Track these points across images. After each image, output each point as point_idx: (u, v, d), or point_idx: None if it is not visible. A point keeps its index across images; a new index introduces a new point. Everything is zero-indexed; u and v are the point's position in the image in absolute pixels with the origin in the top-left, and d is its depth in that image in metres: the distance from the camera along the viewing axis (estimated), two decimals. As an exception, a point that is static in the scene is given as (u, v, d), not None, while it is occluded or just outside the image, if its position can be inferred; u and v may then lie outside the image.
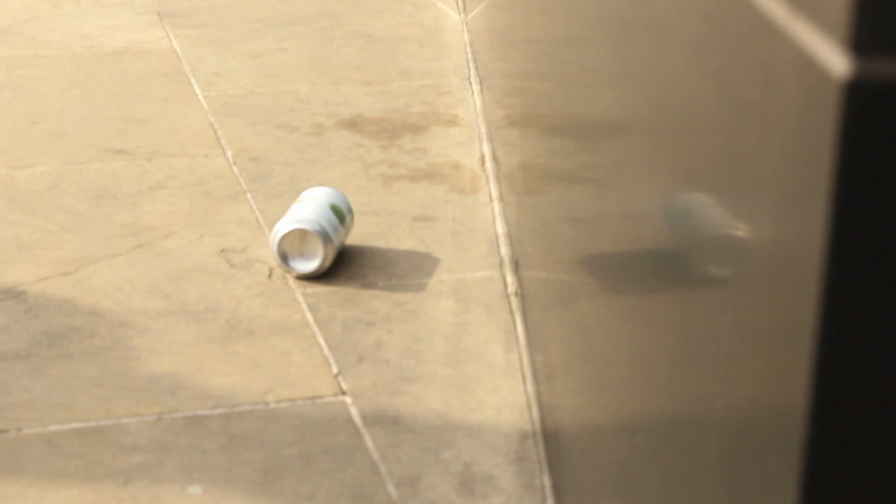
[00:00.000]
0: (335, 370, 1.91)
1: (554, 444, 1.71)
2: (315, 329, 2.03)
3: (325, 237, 2.16)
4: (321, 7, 3.77)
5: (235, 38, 3.46)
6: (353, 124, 2.86)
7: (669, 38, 1.12)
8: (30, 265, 2.22)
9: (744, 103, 0.89)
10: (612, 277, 1.39)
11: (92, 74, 3.16)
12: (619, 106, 1.36)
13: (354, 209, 2.44)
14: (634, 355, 1.26)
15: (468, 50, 3.37)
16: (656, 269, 1.18)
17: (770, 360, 0.84)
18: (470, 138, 2.80)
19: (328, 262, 2.18)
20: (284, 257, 2.17)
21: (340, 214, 2.25)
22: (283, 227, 2.17)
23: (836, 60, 0.72)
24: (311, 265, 2.16)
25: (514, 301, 2.12)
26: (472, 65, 3.25)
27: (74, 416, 1.79)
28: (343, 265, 2.23)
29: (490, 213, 2.45)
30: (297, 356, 1.95)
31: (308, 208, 2.22)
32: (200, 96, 3.02)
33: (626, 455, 1.29)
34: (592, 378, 1.48)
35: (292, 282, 2.17)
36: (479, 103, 2.97)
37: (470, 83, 3.13)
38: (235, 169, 2.62)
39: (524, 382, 1.90)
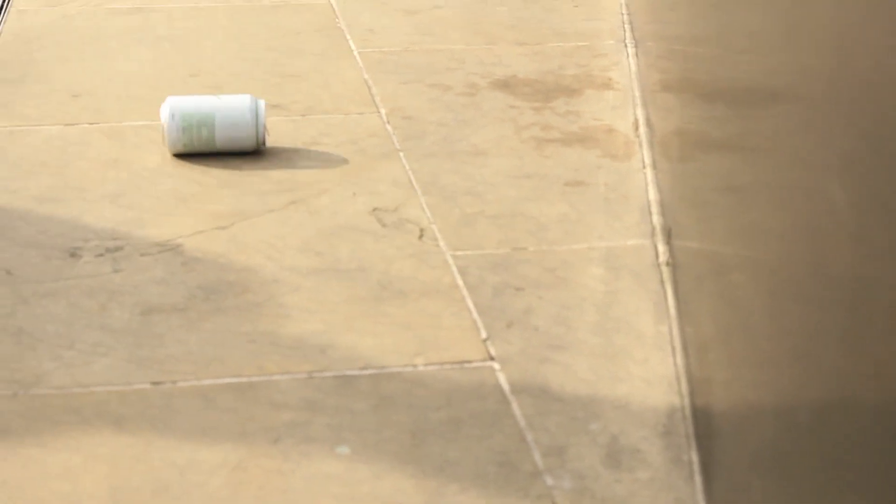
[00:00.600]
0: (484, 335, 1.92)
1: (703, 420, 1.69)
2: (465, 292, 2.03)
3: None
4: (477, -36, 3.75)
5: (391, -6, 3.46)
6: (506, 85, 2.85)
7: (834, 3, 1.09)
8: (187, 218, 2.26)
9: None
10: (772, 250, 1.37)
11: (249, 28, 3.19)
12: (783, 71, 1.33)
13: (507, 171, 2.43)
14: (795, 331, 1.24)
15: (624, 11, 3.33)
16: (821, 244, 1.15)
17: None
18: (624, 102, 2.77)
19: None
20: None
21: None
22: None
23: None
24: None
25: (666, 271, 2.10)
26: (627, 26, 3.22)
27: (228, 370, 1.82)
28: (493, 228, 2.23)
29: (643, 180, 2.42)
30: (446, 319, 1.96)
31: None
32: (355, 52, 3.04)
33: (783, 434, 1.27)
34: (748, 353, 1.46)
35: (443, 243, 2.18)
36: (633, 66, 2.94)
37: (625, 45, 3.10)
38: (389, 127, 2.63)
39: (674, 355, 1.88)
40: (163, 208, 2.29)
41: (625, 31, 3.20)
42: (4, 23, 3.23)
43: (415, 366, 1.84)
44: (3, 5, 3.35)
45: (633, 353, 1.88)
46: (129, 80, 2.86)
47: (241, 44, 3.09)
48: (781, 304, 1.30)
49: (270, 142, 2.55)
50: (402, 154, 2.51)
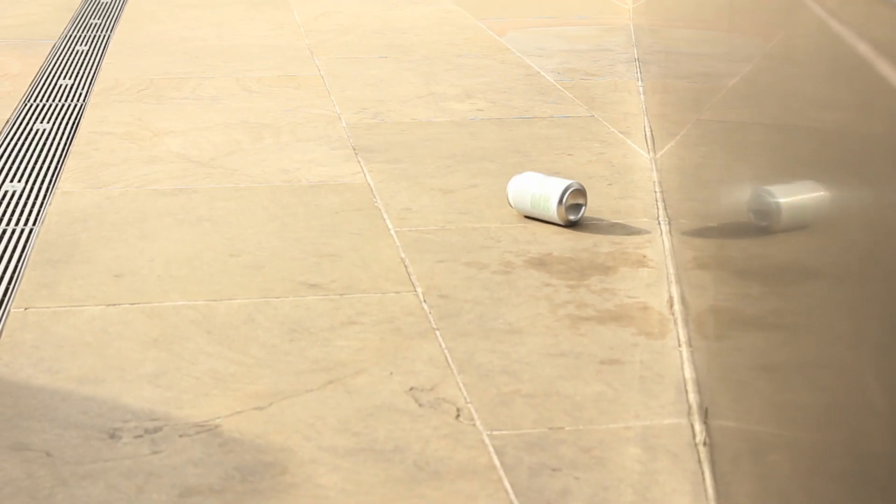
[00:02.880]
0: (521, 517, 1.91)
1: None
2: (501, 473, 2.03)
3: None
4: (511, 143, 3.82)
5: (427, 172, 3.53)
6: (541, 263, 2.88)
7: (875, 185, 1.11)
8: (225, 398, 2.28)
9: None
10: (808, 430, 1.37)
11: (289, 208, 3.25)
12: (817, 248, 1.35)
13: (542, 350, 2.45)
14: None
15: (657, 189, 3.38)
16: (857, 424, 1.15)
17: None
18: (658, 280, 2.79)
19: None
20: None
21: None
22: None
23: None
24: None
25: (703, 451, 2.10)
26: (660, 204, 3.26)
27: (264, 554, 1.82)
28: (529, 407, 2.23)
29: (678, 358, 2.43)
30: (483, 500, 1.95)
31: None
32: (392, 231, 3.09)
33: None
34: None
35: (480, 423, 2.18)
36: (667, 244, 2.97)
37: (658, 223, 3.14)
38: (425, 306, 2.66)
39: (713, 537, 1.87)
40: (201, 388, 2.31)
41: (658, 208, 3.24)
42: (50, 204, 3.30)
43: (452, 549, 1.83)
44: (48, 188, 3.43)
45: (672, 536, 1.87)
46: (170, 260, 2.91)
47: (281, 223, 3.15)
48: (819, 485, 1.30)
49: (309, 320, 2.58)
50: (438, 332, 2.54)
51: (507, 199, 3.14)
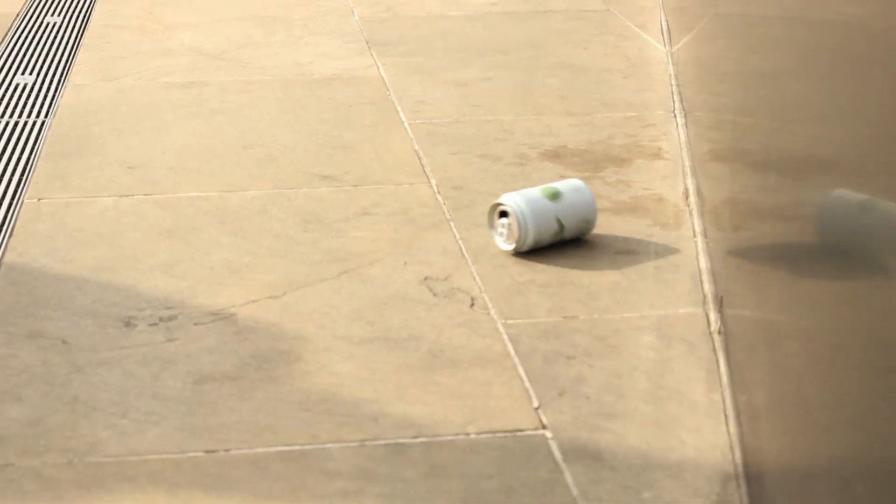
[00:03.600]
0: (535, 403, 1.92)
1: (757, 489, 1.68)
2: (516, 361, 2.03)
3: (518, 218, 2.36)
4: (526, 37, 3.79)
5: (441, 66, 3.50)
6: (556, 155, 2.87)
7: (885, 74, 1.10)
8: (239, 288, 2.28)
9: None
10: (826, 318, 1.36)
11: (302, 101, 3.23)
12: (834, 140, 1.34)
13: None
14: (850, 400, 1.23)
15: (673, 82, 3.35)
16: (875, 311, 1.15)
17: None
18: (674, 172, 2.78)
19: (520, 246, 2.37)
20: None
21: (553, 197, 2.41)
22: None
23: None
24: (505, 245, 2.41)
25: (718, 339, 2.10)
26: (676, 97, 3.23)
27: (280, 439, 1.83)
28: (544, 296, 2.23)
29: (693, 249, 2.42)
30: (497, 388, 1.96)
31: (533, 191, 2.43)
32: (406, 124, 3.06)
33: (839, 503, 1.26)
34: (802, 422, 1.45)
35: (494, 312, 2.18)
36: (683, 136, 2.95)
37: (674, 116, 3.11)
38: (439, 197, 2.65)
39: (727, 423, 1.87)
40: (215, 278, 2.31)
41: (674, 101, 3.21)
42: (62, 96, 3.28)
43: (466, 434, 1.84)
44: (59, 80, 3.41)
45: (686, 422, 1.87)
46: (182, 152, 2.90)
47: (294, 116, 3.13)
48: (836, 372, 1.30)
49: (323, 211, 2.57)
50: (452, 223, 2.53)
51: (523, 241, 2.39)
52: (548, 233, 2.38)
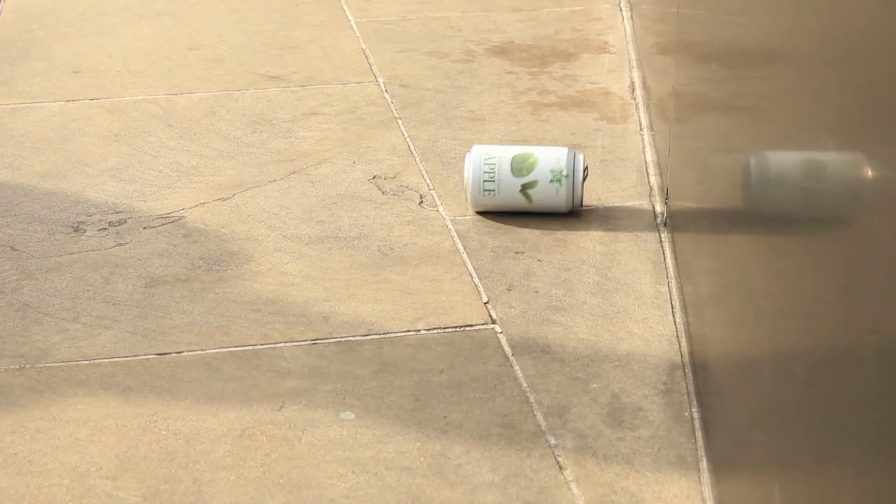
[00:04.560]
0: (485, 298, 1.94)
1: (703, 377, 1.71)
2: (465, 257, 2.05)
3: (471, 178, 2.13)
4: (472, -69, 3.75)
5: (387, -37, 3.47)
6: (503, 51, 2.86)
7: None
8: (188, 190, 2.28)
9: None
10: (768, 209, 1.38)
11: (248, 0, 3.20)
12: (778, 32, 1.35)
13: (505, 136, 2.45)
14: (790, 288, 1.25)
15: (620, -26, 3.34)
16: (814, 202, 1.17)
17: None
18: (620, 65, 2.78)
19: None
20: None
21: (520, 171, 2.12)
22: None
23: None
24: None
25: (664, 231, 2.12)
26: (623, -11, 3.22)
27: (232, 340, 1.84)
28: (493, 193, 2.24)
29: (640, 142, 2.44)
30: (447, 284, 1.98)
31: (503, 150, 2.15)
32: (353, 22, 3.05)
33: (779, 389, 1.29)
34: (745, 310, 1.48)
35: (442, 209, 2.19)
36: (629, 30, 2.95)
37: (620, 9, 3.11)
38: (387, 96, 2.65)
39: (673, 313, 1.90)
40: (164, 181, 2.31)
41: (621, -6, 3.20)
42: (4, 1, 3.24)
43: (417, 331, 1.86)
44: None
45: (633, 313, 1.90)
46: (128, 55, 2.88)
47: (241, 16, 3.10)
48: (779, 260, 1.32)
49: (271, 112, 2.57)
50: (400, 121, 2.53)
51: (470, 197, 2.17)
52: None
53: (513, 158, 2.14)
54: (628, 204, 2.21)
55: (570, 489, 1.55)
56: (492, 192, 2.13)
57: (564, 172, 2.12)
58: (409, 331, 1.86)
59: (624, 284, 1.97)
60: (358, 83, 2.71)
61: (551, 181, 2.12)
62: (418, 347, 1.82)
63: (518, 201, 2.14)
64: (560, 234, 2.11)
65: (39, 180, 2.32)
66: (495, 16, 3.07)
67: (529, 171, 2.13)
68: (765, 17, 1.43)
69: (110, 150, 2.43)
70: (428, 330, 1.86)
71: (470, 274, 2.00)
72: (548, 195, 2.13)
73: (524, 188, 2.13)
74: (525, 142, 2.42)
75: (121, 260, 2.06)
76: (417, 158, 2.37)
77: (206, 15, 3.11)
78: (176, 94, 2.67)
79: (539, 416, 1.68)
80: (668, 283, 1.98)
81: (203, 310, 1.92)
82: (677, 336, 1.85)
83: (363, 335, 1.85)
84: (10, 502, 1.54)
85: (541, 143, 2.42)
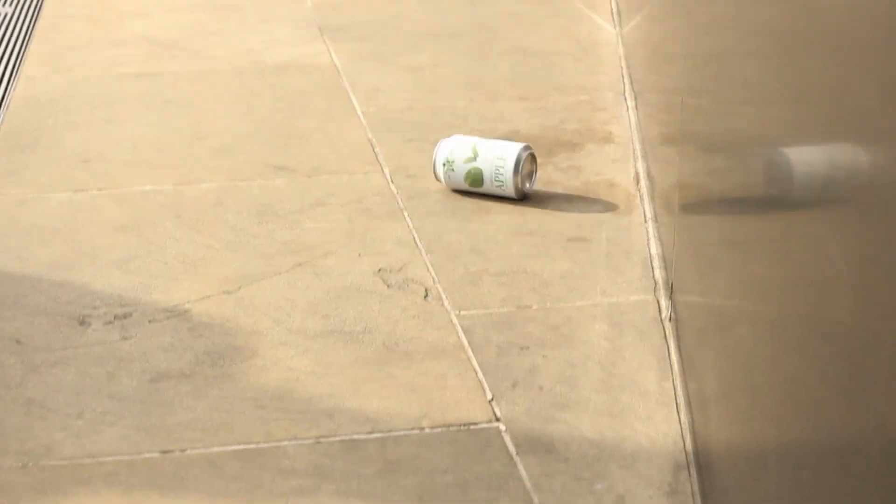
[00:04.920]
0: (489, 395, 1.94)
1: (708, 477, 1.71)
2: (470, 352, 2.05)
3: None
4: (478, 20, 3.79)
5: (394, 52, 3.50)
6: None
7: (839, 50, 1.11)
8: (194, 283, 2.28)
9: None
10: (773, 304, 1.38)
11: (255, 89, 3.23)
12: (781, 122, 1.36)
13: (510, 228, 2.46)
14: (797, 386, 1.25)
15: (623, 64, 3.37)
16: (821, 297, 1.17)
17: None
18: (625, 156, 2.80)
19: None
20: None
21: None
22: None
23: None
24: None
25: (669, 326, 2.12)
26: (627, 80, 3.25)
27: (236, 437, 1.84)
28: (497, 286, 2.25)
29: (644, 234, 2.44)
30: (451, 380, 1.98)
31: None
32: (359, 112, 3.07)
33: (787, 491, 1.29)
34: (751, 409, 1.48)
35: (448, 303, 2.20)
36: (634, 119, 2.97)
37: (625, 99, 3.13)
38: (393, 187, 2.66)
39: (678, 411, 1.90)
40: (171, 273, 2.32)
41: (624, 84, 3.23)
42: (14, 89, 3.27)
43: (421, 428, 1.86)
44: (11, 73, 3.39)
45: (638, 411, 1.90)
46: (137, 144, 2.90)
47: (248, 105, 3.13)
48: (783, 358, 1.32)
49: (277, 202, 2.58)
50: (406, 213, 2.54)
51: (435, 173, 2.62)
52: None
53: (465, 174, 2.60)
54: (633, 298, 2.21)
55: (574, 593, 1.54)
56: (451, 173, 2.60)
57: (503, 180, 2.56)
58: (413, 429, 1.86)
59: (629, 381, 1.97)
60: (364, 173, 2.72)
61: (495, 182, 2.57)
62: (423, 446, 1.82)
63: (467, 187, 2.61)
64: (565, 329, 2.11)
65: (46, 272, 2.33)
66: (501, 105, 3.09)
67: (478, 178, 2.58)
68: (769, 107, 1.44)
69: (118, 241, 2.44)
70: (432, 428, 1.86)
71: (475, 370, 2.00)
72: (493, 188, 2.58)
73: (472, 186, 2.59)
74: (531, 234, 2.43)
75: (126, 354, 2.06)
76: (423, 251, 2.38)
77: (214, 104, 3.14)
78: (184, 185, 2.68)
79: (543, 517, 1.67)
80: (674, 379, 1.98)
81: (207, 406, 1.92)
82: (682, 435, 1.84)
83: (368, 433, 1.85)
84: None
85: (545, 235, 2.43)
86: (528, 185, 2.59)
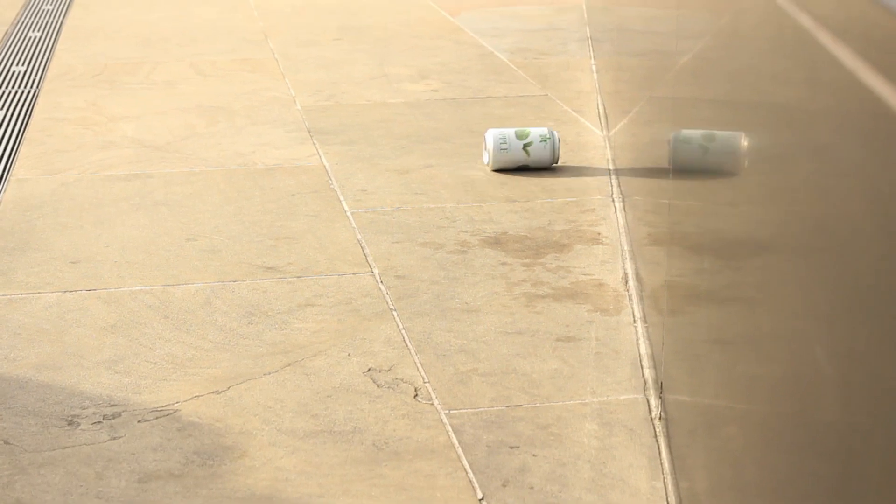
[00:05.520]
0: (480, 495, 1.93)
1: (699, 576, 1.69)
2: (460, 452, 2.05)
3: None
4: (465, 123, 3.83)
5: (383, 154, 3.53)
6: (497, 242, 2.90)
7: (825, 158, 1.13)
8: (183, 383, 2.28)
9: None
10: (762, 403, 1.38)
11: (245, 191, 3.25)
12: (768, 223, 1.37)
13: (499, 328, 2.46)
14: (786, 484, 1.25)
15: (611, 166, 3.40)
16: (809, 396, 1.17)
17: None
18: (613, 256, 2.81)
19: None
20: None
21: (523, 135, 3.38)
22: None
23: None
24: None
25: (659, 425, 2.12)
26: (614, 181, 3.28)
27: (225, 537, 1.83)
28: (487, 385, 2.25)
29: (633, 334, 2.45)
30: (441, 479, 1.97)
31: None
32: (349, 213, 3.09)
33: None
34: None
35: (437, 402, 2.20)
36: (622, 221, 2.99)
37: (612, 200, 3.16)
38: (382, 287, 2.67)
39: (669, 510, 1.89)
40: (160, 374, 2.32)
41: (612, 185, 3.26)
42: (4, 191, 3.29)
43: (411, 528, 1.85)
44: (2, 175, 3.41)
45: (629, 510, 1.89)
46: (126, 245, 2.91)
47: (237, 207, 3.15)
48: (772, 456, 1.32)
49: (266, 303, 2.59)
50: (395, 313, 2.55)
51: (487, 157, 3.39)
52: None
53: (516, 131, 3.37)
54: (623, 397, 2.22)
55: None
56: (504, 150, 3.34)
57: (548, 136, 3.36)
58: (403, 528, 1.85)
59: (619, 480, 1.97)
60: (354, 274, 2.74)
61: (541, 141, 3.36)
62: (413, 545, 1.80)
63: (521, 155, 3.35)
64: (555, 428, 2.11)
65: (35, 372, 2.32)
66: (489, 206, 3.12)
67: (526, 136, 3.36)
68: (755, 207, 1.45)
69: (106, 342, 2.44)
70: (423, 527, 1.85)
71: (465, 469, 2.00)
72: (538, 150, 3.35)
73: (524, 147, 3.35)
74: (520, 334, 2.44)
75: (114, 454, 2.05)
76: (412, 351, 2.39)
77: (203, 205, 3.16)
78: (173, 285, 2.69)
79: None
80: (664, 478, 1.97)
81: (196, 506, 1.91)
82: (674, 533, 1.84)
83: (357, 533, 1.84)
84: None
85: (534, 334, 2.44)
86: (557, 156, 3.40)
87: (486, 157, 3.38)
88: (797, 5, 1.23)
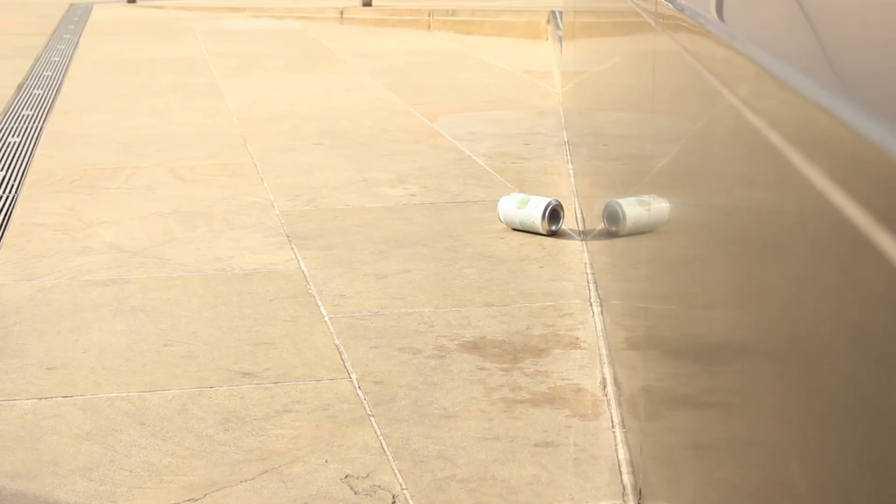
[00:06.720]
0: None
1: None
2: (438, 560, 2.03)
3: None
4: (444, 227, 3.85)
5: (361, 259, 3.54)
6: (475, 347, 2.90)
7: (792, 259, 1.14)
8: (159, 491, 2.26)
9: (868, 330, 0.90)
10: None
11: (223, 296, 3.25)
12: (743, 328, 1.37)
13: (477, 434, 2.46)
14: None
15: (588, 270, 3.41)
16: (789, 502, 1.17)
17: None
18: (591, 361, 2.81)
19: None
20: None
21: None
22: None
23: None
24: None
25: (638, 532, 2.11)
26: (592, 285, 3.29)
27: None
28: (465, 492, 2.24)
29: (612, 439, 2.45)
30: (419, 588, 1.95)
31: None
32: (326, 318, 3.09)
33: None
34: None
35: (415, 510, 2.18)
36: (599, 325, 3.00)
37: (590, 304, 3.16)
38: (360, 392, 2.66)
39: None
40: (135, 481, 2.30)
41: (590, 290, 3.27)
42: (-20, 297, 3.27)
43: None
44: (-21, 280, 3.40)
45: None
46: (103, 351, 2.90)
47: (215, 312, 3.14)
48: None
49: (243, 409, 2.57)
50: (373, 419, 2.54)
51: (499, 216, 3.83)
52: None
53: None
54: (601, 503, 2.20)
55: None
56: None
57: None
58: None
59: (598, 588, 1.95)
60: (331, 380, 2.73)
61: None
62: None
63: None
64: (533, 535, 2.10)
65: (8, 481, 2.30)
66: (467, 311, 3.12)
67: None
68: (732, 311, 1.46)
69: (81, 449, 2.42)
70: None
71: (443, 577, 1.98)
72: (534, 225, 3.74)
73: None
74: (498, 440, 2.43)
75: (88, 564, 2.03)
76: (390, 457, 2.37)
77: (181, 310, 3.15)
78: (150, 392, 2.68)
79: None
80: (643, 586, 1.96)
81: None
82: None
83: None
84: None
85: (512, 440, 2.43)
86: (553, 227, 3.74)
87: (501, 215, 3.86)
88: (766, 121, 1.25)
